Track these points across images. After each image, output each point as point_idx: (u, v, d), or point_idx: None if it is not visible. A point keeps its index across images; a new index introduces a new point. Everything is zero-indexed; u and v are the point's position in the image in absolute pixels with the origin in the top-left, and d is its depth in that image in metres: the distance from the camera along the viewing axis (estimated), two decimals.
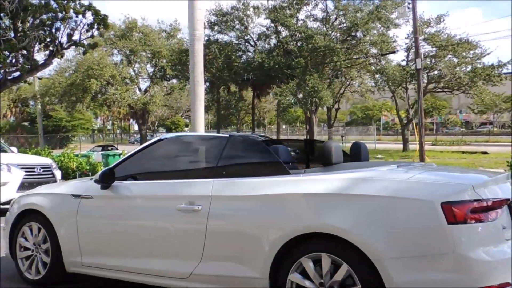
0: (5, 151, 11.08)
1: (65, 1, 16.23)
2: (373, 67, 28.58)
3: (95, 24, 16.87)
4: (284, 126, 74.90)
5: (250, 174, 3.56)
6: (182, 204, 3.63)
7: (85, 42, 17.84)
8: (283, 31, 28.97)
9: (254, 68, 28.19)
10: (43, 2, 15.70)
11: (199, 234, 3.53)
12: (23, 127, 48.53)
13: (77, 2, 16.52)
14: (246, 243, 3.34)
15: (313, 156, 4.96)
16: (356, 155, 4.23)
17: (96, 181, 4.09)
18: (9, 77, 17.38)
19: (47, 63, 17.42)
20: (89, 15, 16.94)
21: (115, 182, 4.09)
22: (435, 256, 2.77)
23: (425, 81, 29.68)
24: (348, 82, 34.23)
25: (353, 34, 27.59)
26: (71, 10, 16.35)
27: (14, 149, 11.99)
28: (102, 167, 15.18)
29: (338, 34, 28.40)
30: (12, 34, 16.14)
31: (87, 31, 17.02)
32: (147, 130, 57.47)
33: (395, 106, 33.64)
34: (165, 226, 3.74)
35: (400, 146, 31.60)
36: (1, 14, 15.78)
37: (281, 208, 3.25)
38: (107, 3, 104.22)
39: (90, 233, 4.15)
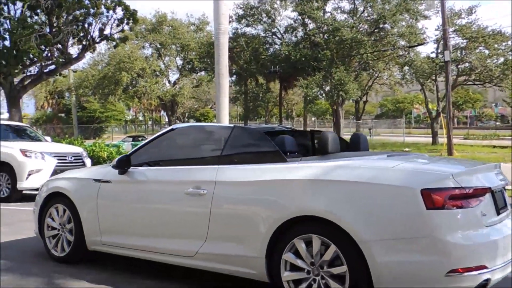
0: (40, 140, 11.73)
1: None
2: (401, 60, 28.30)
3: (125, 19, 17.46)
4: (313, 119, 74.86)
5: (251, 161, 3.88)
6: (190, 188, 3.98)
7: (116, 36, 18.45)
8: (310, 23, 29.02)
9: (281, 61, 28.38)
10: None
11: (204, 216, 3.87)
12: (59, 118, 50.25)
13: None
14: (246, 225, 3.66)
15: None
16: (355, 146, 4.47)
17: (114, 167, 4.50)
18: (45, 70, 18.19)
19: (80, 56, 18.17)
20: (119, 10, 17.56)
21: (131, 168, 4.47)
22: (415, 239, 3.03)
23: (455, 73, 29.22)
24: (376, 75, 34.02)
25: (380, 26, 27.39)
26: (102, 6, 16.96)
27: (48, 138, 12.64)
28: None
29: (366, 26, 28.25)
30: (48, 30, 16.87)
31: (118, 25, 17.65)
32: (177, 121, 58.65)
33: (424, 99, 33.21)
34: (175, 208, 4.11)
35: (430, 139, 31.22)
36: (38, 10, 16.52)
37: (277, 192, 3.56)
38: None
39: (108, 214, 4.56)
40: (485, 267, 2.99)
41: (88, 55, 23.77)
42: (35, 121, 49.99)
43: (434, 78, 29.10)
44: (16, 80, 17.84)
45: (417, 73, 27.49)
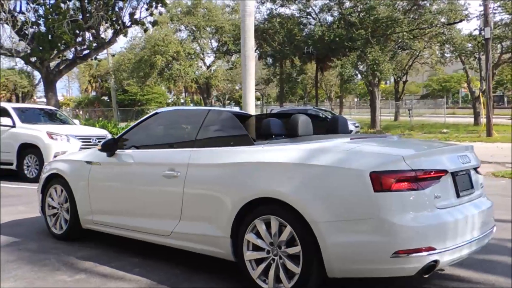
0: (67, 123, 12.24)
1: None
2: (440, 38, 27.25)
3: (153, 3, 17.70)
4: (356, 100, 73.55)
5: (222, 144, 3.96)
6: (166, 170, 4.10)
7: (147, 20, 18.73)
8: (345, 2, 28.37)
9: (316, 41, 27.98)
10: None
11: (178, 197, 4.00)
12: (100, 101, 51.86)
13: None
14: (214, 206, 3.76)
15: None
16: (334, 129, 4.44)
17: (99, 150, 4.68)
18: (79, 55, 18.77)
19: (111, 40, 18.63)
20: None
21: (118, 150, 4.65)
22: (362, 221, 3.04)
23: (499, 51, 27.90)
24: (417, 54, 32.96)
25: (419, 3, 26.42)
26: None
27: (76, 121, 13.15)
28: None
29: (405, 3, 27.33)
30: (81, 15, 17.37)
31: (146, 10, 17.91)
32: (218, 103, 59.07)
33: (466, 78, 31.94)
34: (153, 190, 4.26)
35: (472, 120, 30.09)
36: None
37: (240, 175, 3.63)
38: None
39: (97, 195, 4.78)
40: (432, 249, 2.97)
41: (124, 39, 24.34)
42: (78, 104, 51.80)
43: (476, 56, 27.91)
44: (52, 64, 18.56)
45: (456, 51, 26.42)
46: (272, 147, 3.68)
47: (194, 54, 32.02)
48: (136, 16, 18.20)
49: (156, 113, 4.70)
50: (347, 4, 28.37)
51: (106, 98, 54.09)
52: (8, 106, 11.71)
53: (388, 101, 53.98)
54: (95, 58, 21.14)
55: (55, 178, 5.27)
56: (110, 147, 4.64)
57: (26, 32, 16.47)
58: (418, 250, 2.95)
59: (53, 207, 5.30)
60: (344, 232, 3.09)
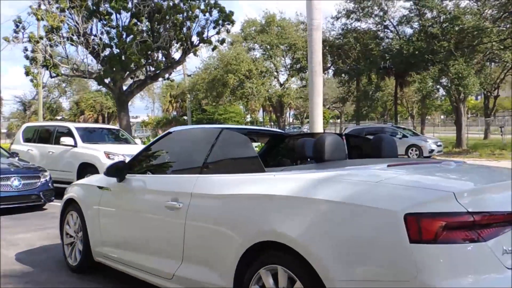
0: (128, 143, 12.18)
1: (194, 2, 17.16)
2: None
3: (220, 21, 17.55)
4: (442, 117, 69.26)
5: (231, 170, 3.23)
6: (169, 200, 3.45)
7: (216, 38, 18.61)
8: (426, 13, 26.61)
9: (393, 56, 26.45)
10: (171, 3, 16.83)
11: (180, 233, 3.32)
12: (178, 120, 53.28)
13: (201, 1, 17.34)
14: (215, 247, 3.04)
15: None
16: (377, 151, 3.54)
17: (105, 174, 4.13)
18: (150, 75, 19.05)
19: (180, 60, 18.71)
20: (215, 13, 17.69)
21: (128, 175, 4.08)
22: (393, 283, 2.13)
23: None
24: (509, 66, 30.11)
25: (510, 10, 24.05)
26: (197, 10, 17.23)
27: (138, 141, 13.10)
28: None
29: (494, 11, 25.06)
30: (150, 36, 17.62)
31: (214, 28, 17.80)
32: (296, 122, 58.30)
33: None
34: (156, 223, 3.62)
35: None
36: (141, 18, 17.32)
37: (243, 210, 2.89)
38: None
39: (106, 224, 4.23)
40: None
41: (200, 58, 24.56)
42: (157, 124, 53.52)
43: None
44: (125, 85, 19.00)
45: None
46: (285, 175, 2.90)
47: (266, 72, 31.70)
48: (205, 35, 18.15)
49: (169, 133, 4.09)
50: (428, 15, 26.60)
51: (185, 117, 55.49)
52: (72, 126, 11.87)
53: (477, 118, 50.14)
54: (168, 78, 21.37)
55: (72, 204, 4.84)
56: (116, 171, 4.08)
57: (99, 54, 16.97)
58: None
59: (70, 236, 4.86)
60: None
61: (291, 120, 75.52)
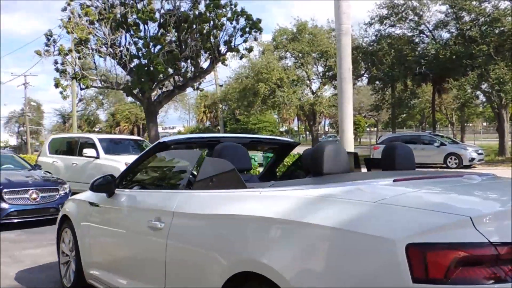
0: None
1: (220, 10, 16.97)
2: None
3: (247, 28, 17.26)
4: (485, 124, 66.59)
5: (216, 186, 2.82)
6: (152, 219, 3.06)
7: (243, 46, 18.36)
8: (464, 16, 25.54)
9: (429, 61, 25.47)
10: (197, 13, 16.69)
11: (161, 257, 2.92)
12: (210, 130, 53.40)
13: (228, 9, 17.12)
14: (196, 275, 2.62)
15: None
16: (390, 162, 3.03)
17: (90, 189, 3.80)
18: (179, 85, 18.94)
19: (208, 70, 18.51)
20: (242, 21, 17.43)
21: (117, 190, 3.74)
22: None
23: None
24: None
25: None
26: (224, 18, 17.02)
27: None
28: (258, 168, 15.04)
29: None
30: (177, 46, 17.53)
31: (241, 36, 17.53)
32: (333, 130, 57.33)
33: None
34: (140, 244, 3.23)
35: None
36: (168, 28, 17.26)
37: (221, 232, 2.46)
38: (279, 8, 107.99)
39: (95, 244, 3.90)
40: None
41: (231, 68, 24.40)
42: (191, 134, 53.74)
43: None
44: (153, 95, 18.97)
45: None
46: (272, 193, 2.45)
47: (298, 80, 31.18)
48: (232, 43, 17.90)
49: (159, 143, 3.72)
50: (466, 18, 25.51)
51: (219, 127, 55.58)
52: (95, 137, 11.78)
53: None
54: (197, 88, 21.22)
55: (66, 221, 4.53)
56: (103, 186, 3.73)
57: (127, 64, 16.99)
58: None
59: (66, 254, 4.55)
60: None
61: (326, 129, 74.50)
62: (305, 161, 3.58)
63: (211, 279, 2.44)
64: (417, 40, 28.71)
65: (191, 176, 3.07)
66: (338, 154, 2.80)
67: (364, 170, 3.81)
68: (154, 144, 3.74)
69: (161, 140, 3.69)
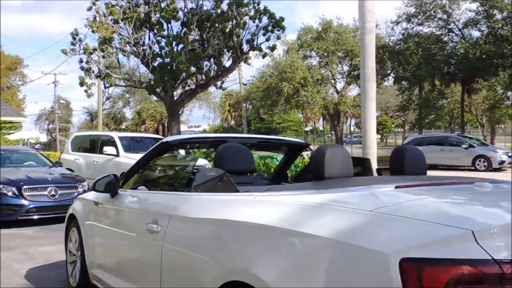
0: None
1: (242, 9, 16.86)
2: None
3: (269, 27, 17.11)
4: None
5: (212, 189, 2.70)
6: (150, 222, 2.96)
7: (266, 45, 18.21)
8: (495, 14, 24.78)
9: (458, 61, 24.80)
10: (219, 11, 16.62)
11: (157, 261, 2.82)
12: (234, 129, 53.43)
13: (251, 7, 16.99)
14: (189, 281, 2.49)
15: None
16: (398, 167, 2.84)
17: (92, 189, 3.73)
18: (202, 83, 18.92)
19: (230, 68, 18.43)
20: (265, 19, 17.29)
21: (120, 190, 3.66)
22: None
23: None
24: None
25: None
26: (246, 16, 16.90)
27: (182, 151, 12.84)
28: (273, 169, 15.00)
29: None
30: (200, 44, 17.51)
31: (264, 35, 17.38)
32: (353, 131, 56.65)
33: None
34: (139, 247, 3.14)
35: None
36: (191, 26, 17.25)
37: (213, 238, 2.33)
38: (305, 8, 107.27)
39: (98, 244, 3.84)
40: None
41: (255, 67, 24.20)
42: (213, 133, 53.90)
43: None
44: (176, 94, 19.02)
45: None
46: (268, 197, 2.31)
47: (322, 80, 30.80)
48: (255, 42, 17.77)
49: (162, 143, 3.62)
50: (498, 16, 24.74)
51: (241, 127, 55.63)
52: (115, 135, 11.83)
53: None
54: (221, 87, 21.17)
55: (73, 220, 4.49)
56: (105, 186, 3.65)
57: (149, 63, 17.07)
58: None
59: (73, 254, 4.51)
60: None
61: (352, 129, 73.64)
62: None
63: (206, 285, 2.32)
64: (445, 39, 28.03)
65: (191, 177, 2.96)
66: (340, 157, 2.63)
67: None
68: (157, 143, 3.64)
69: (164, 139, 3.59)
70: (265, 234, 2.04)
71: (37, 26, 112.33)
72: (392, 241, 1.57)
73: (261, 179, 3.97)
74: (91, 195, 4.47)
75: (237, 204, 2.37)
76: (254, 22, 17.19)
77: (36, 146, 47.48)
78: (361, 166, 3.57)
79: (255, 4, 17.05)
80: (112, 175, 3.72)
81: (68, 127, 60.32)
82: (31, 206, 8.44)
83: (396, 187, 2.08)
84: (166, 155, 3.62)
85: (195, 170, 2.88)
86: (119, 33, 17.30)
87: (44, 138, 62.67)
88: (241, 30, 17.20)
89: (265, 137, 4.68)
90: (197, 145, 3.84)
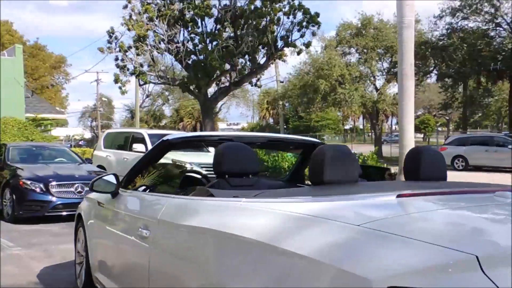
0: (202, 151, 11.83)
1: (276, 4, 16.57)
2: None
3: (304, 23, 16.74)
4: None
5: (197, 192, 2.46)
6: (141, 227, 2.74)
7: (301, 41, 17.86)
8: None
9: (506, 57, 23.57)
10: (253, 7, 16.38)
11: (145, 270, 2.60)
12: (271, 127, 53.09)
13: (286, 3, 16.68)
14: None
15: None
16: (413, 171, 2.48)
17: (90, 189, 3.56)
18: (236, 80, 18.77)
19: (265, 65, 18.17)
20: (299, 15, 16.94)
21: (121, 190, 3.48)
22: None
23: None
24: None
25: None
26: (280, 12, 16.60)
27: (211, 149, 12.70)
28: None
29: None
30: (233, 41, 17.35)
31: (298, 31, 17.03)
32: (394, 130, 55.22)
33: None
34: (132, 252, 2.94)
35: None
36: (225, 23, 17.12)
37: (195, 248, 2.09)
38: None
39: (99, 246, 3.69)
40: None
41: (291, 64, 23.91)
42: (250, 131, 53.82)
43: None
44: (210, 91, 18.96)
45: None
46: (255, 204, 2.02)
47: (360, 77, 30.01)
48: (290, 38, 17.44)
49: (162, 141, 3.40)
50: None
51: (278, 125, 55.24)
52: (145, 132, 11.81)
53: None
54: (255, 85, 20.93)
55: (81, 219, 4.36)
56: (103, 186, 3.48)
57: (183, 60, 17.06)
58: None
59: (81, 254, 4.38)
60: None
61: (393, 128, 71.86)
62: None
63: None
64: (492, 34, 26.73)
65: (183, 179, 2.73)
66: (343, 159, 2.31)
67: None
68: (158, 142, 3.43)
69: (165, 137, 3.37)
70: (243, 248, 1.77)
71: (83, 25, 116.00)
72: (378, 265, 1.26)
73: (269, 180, 3.69)
74: (97, 195, 4.32)
75: (218, 210, 2.11)
76: (288, 18, 16.89)
77: (80, 143, 48.89)
78: (379, 176, 3.26)
79: (290, 0, 16.73)
80: (112, 175, 3.55)
81: (110, 124, 61.74)
82: (58, 202, 8.49)
83: (397, 196, 1.75)
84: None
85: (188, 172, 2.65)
86: (154, 31, 17.38)
87: (88, 135, 64.46)
88: (275, 27, 16.92)
89: (277, 136, 4.41)
90: (200, 143, 3.61)
